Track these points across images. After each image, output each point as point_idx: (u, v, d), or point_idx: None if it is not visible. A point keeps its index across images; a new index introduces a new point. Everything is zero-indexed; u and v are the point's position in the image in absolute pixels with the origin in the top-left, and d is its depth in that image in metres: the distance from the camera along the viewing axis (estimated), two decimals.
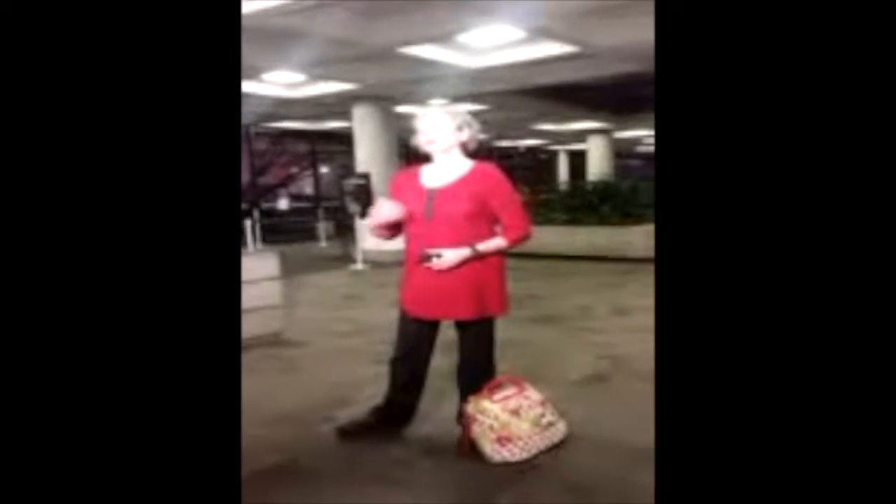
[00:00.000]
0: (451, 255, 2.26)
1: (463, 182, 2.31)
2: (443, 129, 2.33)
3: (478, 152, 2.44)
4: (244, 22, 5.34)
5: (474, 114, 2.58)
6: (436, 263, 2.27)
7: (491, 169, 2.36)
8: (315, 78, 8.32)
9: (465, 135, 2.36)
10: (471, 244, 2.27)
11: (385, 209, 2.33)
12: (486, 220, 2.32)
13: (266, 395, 3.18)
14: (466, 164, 2.36)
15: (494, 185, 2.32)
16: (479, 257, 2.29)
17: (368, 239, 8.15)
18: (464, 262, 2.27)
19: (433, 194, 2.31)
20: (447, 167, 2.35)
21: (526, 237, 2.35)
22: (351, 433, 2.52)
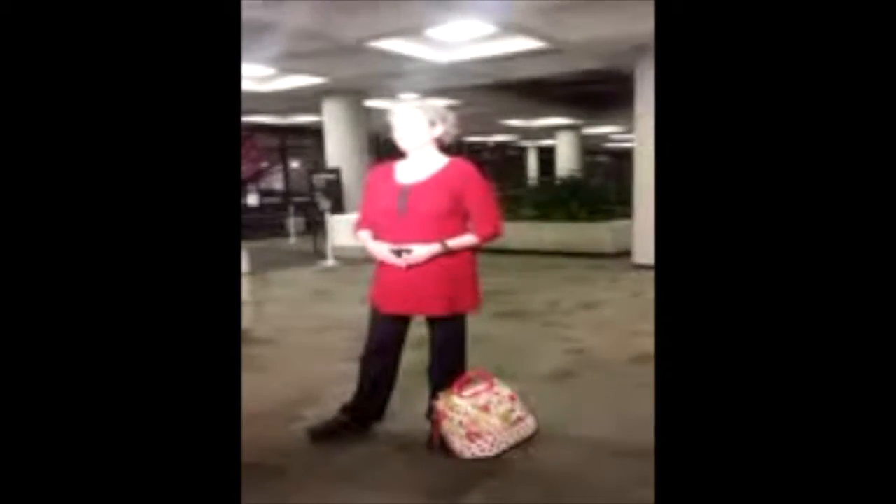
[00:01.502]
0: (420, 251, 2.25)
1: (437, 178, 2.30)
2: (416, 125, 2.31)
3: (449, 148, 2.44)
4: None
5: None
6: (405, 259, 2.26)
7: (466, 165, 2.36)
8: (285, 71, 8.21)
9: (438, 130, 2.35)
10: (441, 241, 2.27)
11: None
12: (458, 217, 2.32)
13: None
14: (441, 160, 2.36)
15: (469, 182, 2.32)
16: (450, 253, 2.29)
17: (339, 235, 8.10)
18: (434, 258, 2.27)
19: (407, 190, 2.30)
20: (421, 163, 2.34)
21: (497, 234, 2.35)
22: (321, 434, 2.50)
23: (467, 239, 2.32)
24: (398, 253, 2.27)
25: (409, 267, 2.27)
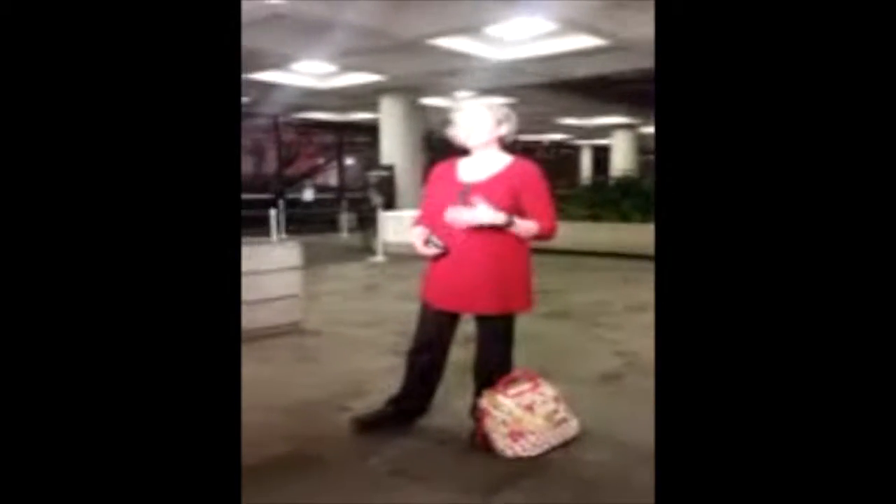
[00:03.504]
0: (486, 211, 2.20)
1: (500, 177, 2.30)
2: (482, 123, 2.32)
3: (505, 147, 2.44)
4: (276, 9, 5.39)
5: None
6: (468, 216, 2.22)
7: (528, 165, 2.36)
8: (345, 69, 8.36)
9: (503, 129, 2.36)
10: (509, 215, 2.24)
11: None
12: (518, 216, 2.30)
13: (283, 384, 3.23)
14: (504, 160, 2.36)
15: (530, 181, 2.31)
16: (506, 250, 2.27)
17: (389, 231, 8.20)
18: (491, 254, 2.25)
19: (469, 188, 2.30)
20: (484, 162, 2.35)
21: (553, 233, 2.34)
22: (367, 424, 2.54)
23: (531, 225, 2.29)
24: (428, 242, 2.28)
25: (465, 265, 2.27)
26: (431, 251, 2.30)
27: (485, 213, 2.21)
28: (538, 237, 2.33)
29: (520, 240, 2.32)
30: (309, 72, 8.54)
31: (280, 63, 7.92)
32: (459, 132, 2.36)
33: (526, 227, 2.29)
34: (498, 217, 2.21)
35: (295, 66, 8.10)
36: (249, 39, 6.36)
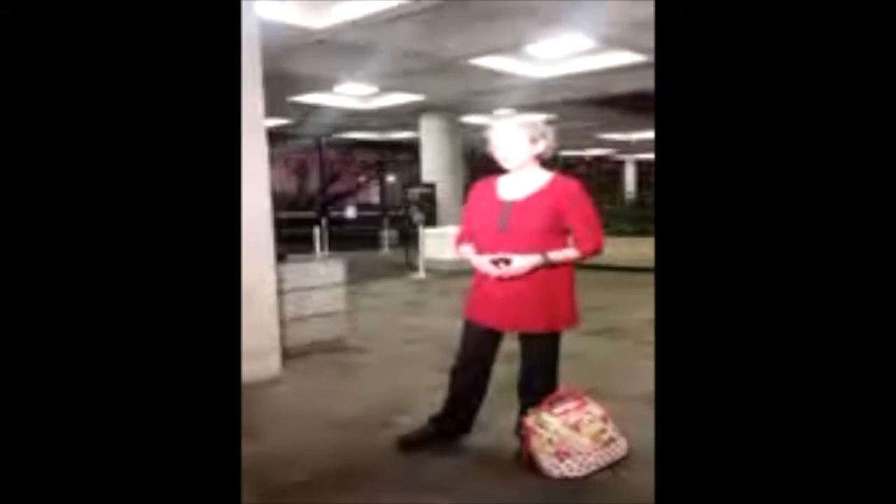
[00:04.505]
0: (520, 262, 2.22)
1: (540, 195, 2.28)
2: (517, 143, 2.30)
3: (545, 162, 2.42)
4: (318, 36, 5.54)
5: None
6: (504, 270, 2.24)
7: (570, 183, 2.33)
8: (386, 90, 8.50)
9: (540, 147, 2.33)
10: (542, 252, 2.23)
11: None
12: (559, 234, 2.29)
13: (326, 400, 3.25)
14: (544, 177, 2.34)
15: (572, 199, 2.28)
16: (549, 267, 2.25)
17: (430, 247, 8.23)
18: (535, 272, 2.24)
19: (510, 207, 2.29)
20: (524, 180, 2.33)
21: (598, 250, 2.30)
22: (410, 443, 2.53)
23: (568, 253, 2.28)
24: (496, 263, 2.27)
25: (509, 279, 2.25)
26: (500, 273, 2.26)
27: (521, 263, 2.21)
28: (583, 258, 2.30)
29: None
30: (351, 93, 8.71)
31: (323, 86, 8.10)
32: (496, 152, 2.35)
33: (564, 257, 2.28)
34: (533, 260, 2.21)
35: (337, 87, 8.27)
36: (292, 63, 6.54)
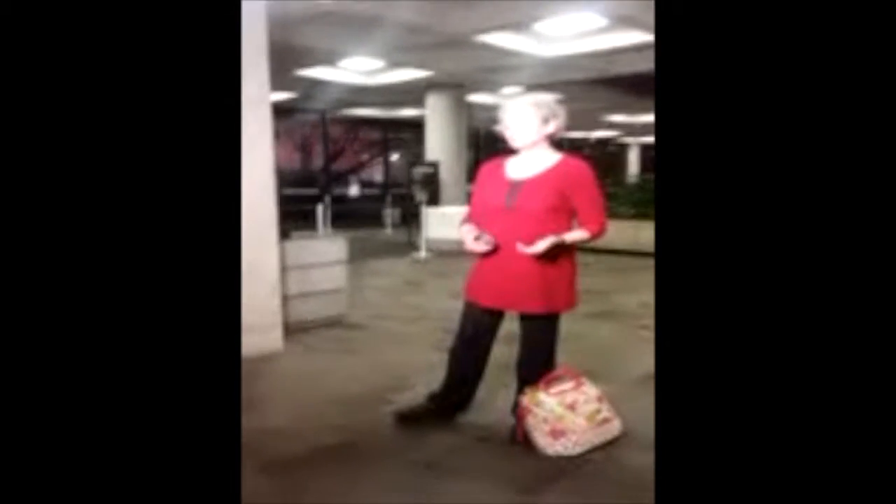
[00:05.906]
0: (539, 245, 2.20)
1: (547, 175, 2.28)
2: (528, 122, 2.29)
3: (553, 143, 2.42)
4: (323, 7, 5.48)
5: None
6: (526, 248, 2.21)
7: (578, 163, 2.32)
8: (392, 65, 8.41)
9: (551, 127, 2.32)
10: (556, 233, 2.24)
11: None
12: (565, 214, 2.29)
13: (327, 375, 3.29)
14: (553, 157, 2.33)
15: (579, 180, 2.28)
16: (553, 251, 2.25)
17: (433, 227, 8.24)
18: (536, 256, 2.24)
19: (517, 186, 2.29)
20: (533, 160, 2.33)
21: (602, 233, 2.32)
22: (408, 418, 2.57)
23: (580, 234, 2.30)
24: (478, 238, 2.28)
25: (509, 259, 2.26)
26: (481, 247, 2.30)
27: (540, 246, 2.20)
28: (592, 239, 2.32)
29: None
30: (356, 68, 8.64)
31: (327, 59, 8.02)
32: (507, 131, 2.34)
33: (575, 238, 2.29)
34: (549, 241, 2.20)
35: (342, 62, 8.20)
36: (297, 36, 6.47)
